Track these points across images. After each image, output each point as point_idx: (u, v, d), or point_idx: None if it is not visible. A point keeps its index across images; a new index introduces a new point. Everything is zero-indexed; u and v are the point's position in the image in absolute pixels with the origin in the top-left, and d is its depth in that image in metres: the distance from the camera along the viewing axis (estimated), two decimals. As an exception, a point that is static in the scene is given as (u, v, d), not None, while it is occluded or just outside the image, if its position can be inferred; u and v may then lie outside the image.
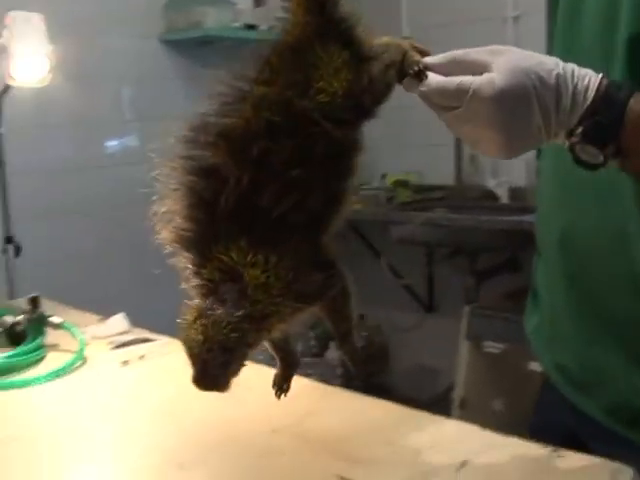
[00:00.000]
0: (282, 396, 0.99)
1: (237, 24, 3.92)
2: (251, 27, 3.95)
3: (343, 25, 0.92)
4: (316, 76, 0.88)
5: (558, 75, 0.90)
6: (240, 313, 0.81)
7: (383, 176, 4.18)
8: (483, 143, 0.94)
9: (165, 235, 0.87)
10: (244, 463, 1.00)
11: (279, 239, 0.84)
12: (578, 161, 0.92)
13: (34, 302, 1.57)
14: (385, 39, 0.96)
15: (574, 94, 0.90)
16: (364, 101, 0.91)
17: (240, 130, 0.85)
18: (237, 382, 1.29)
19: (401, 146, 4.27)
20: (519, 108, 0.90)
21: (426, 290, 4.33)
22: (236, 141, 0.85)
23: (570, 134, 0.92)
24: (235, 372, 0.86)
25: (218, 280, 0.83)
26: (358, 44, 0.92)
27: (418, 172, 4.07)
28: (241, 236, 0.83)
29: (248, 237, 0.83)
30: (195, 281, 0.85)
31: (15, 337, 1.54)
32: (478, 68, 0.92)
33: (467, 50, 0.95)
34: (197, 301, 0.84)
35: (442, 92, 0.93)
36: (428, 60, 0.96)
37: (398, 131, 4.17)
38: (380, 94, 0.93)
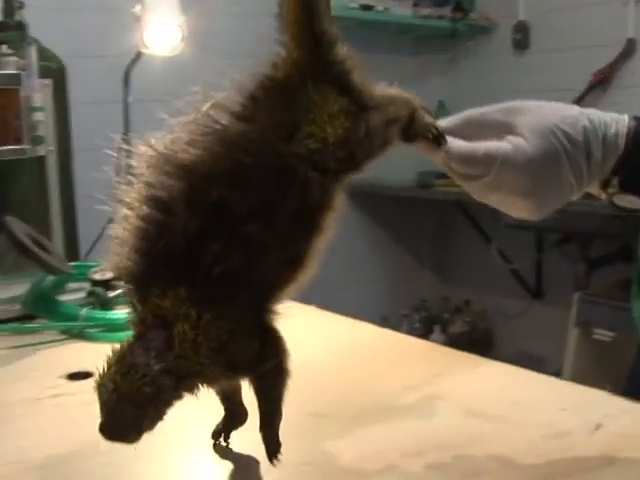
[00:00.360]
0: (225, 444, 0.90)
1: (354, 4, 3.93)
2: (367, 8, 3.97)
3: (338, 68, 0.82)
4: (306, 119, 0.78)
5: (585, 129, 0.86)
6: (159, 367, 0.72)
7: (496, 160, 4.14)
8: (512, 208, 0.90)
9: (111, 259, 0.78)
10: (377, 415, 1.02)
11: (219, 297, 0.75)
12: (616, 207, 0.89)
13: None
14: (391, 91, 0.87)
15: (604, 145, 0.86)
16: (357, 154, 0.81)
17: (205, 167, 0.77)
18: (366, 344, 1.34)
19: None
20: (551, 172, 0.86)
21: (534, 276, 4.28)
22: (197, 179, 0.76)
23: (605, 184, 0.88)
24: (148, 427, 0.74)
25: (150, 323, 0.75)
26: (357, 91, 0.82)
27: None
28: (180, 284, 0.74)
29: (186, 287, 0.74)
30: (131, 316, 0.77)
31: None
32: (498, 129, 0.88)
33: (482, 110, 0.91)
34: (123, 344, 0.75)
35: (466, 160, 0.87)
36: (442, 123, 0.90)
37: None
38: (376, 149, 0.83)
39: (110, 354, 0.74)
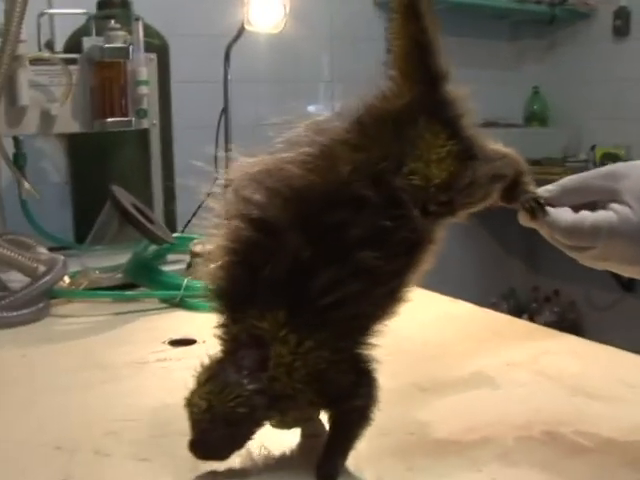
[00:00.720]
0: None
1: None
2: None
3: (451, 109, 0.80)
4: (413, 155, 0.76)
5: None
6: (253, 387, 0.71)
7: (592, 148, 4.08)
8: (624, 273, 0.87)
9: (204, 272, 0.76)
10: (481, 389, 1.02)
11: (322, 325, 0.72)
12: None
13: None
14: (502, 148, 0.84)
15: None
16: (456, 201, 0.79)
17: (319, 192, 0.73)
18: (467, 322, 1.33)
19: (614, 118, 4.15)
20: None
21: (626, 268, 4.20)
22: (310, 202, 0.73)
23: None
24: (239, 446, 0.75)
25: (243, 341, 0.73)
26: (468, 138, 0.80)
27: (628, 147, 3.94)
28: (280, 309, 0.72)
29: (288, 312, 0.72)
30: (220, 332, 0.75)
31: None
32: (599, 195, 0.85)
33: (582, 177, 0.87)
34: (212, 360, 0.74)
35: (571, 233, 0.84)
36: (541, 191, 0.87)
37: (612, 102, 4.05)
38: (475, 201, 0.81)
39: (199, 369, 0.74)
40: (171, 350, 1.21)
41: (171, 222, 2.33)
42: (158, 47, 2.17)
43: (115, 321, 1.39)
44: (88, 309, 1.45)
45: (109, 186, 1.51)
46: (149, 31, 2.15)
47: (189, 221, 2.34)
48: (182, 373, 1.08)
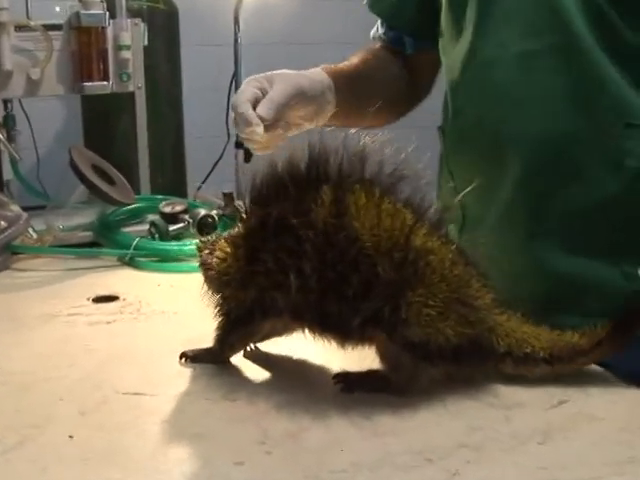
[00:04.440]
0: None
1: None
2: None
3: None
4: None
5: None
6: None
7: None
8: None
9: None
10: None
11: None
12: None
13: (228, 198, 1.66)
14: None
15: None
16: None
17: None
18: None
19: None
20: None
21: None
22: None
23: None
24: None
25: None
26: None
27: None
28: None
29: None
30: None
31: (204, 228, 1.63)
32: None
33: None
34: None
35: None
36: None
37: None
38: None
39: None
40: (89, 306, 1.27)
41: (181, 185, 2.41)
42: (165, 12, 2.24)
43: (62, 277, 1.45)
44: (47, 264, 1.52)
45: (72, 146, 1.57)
46: (157, -4, 2.21)
47: (199, 187, 2.40)
48: (80, 328, 1.15)
